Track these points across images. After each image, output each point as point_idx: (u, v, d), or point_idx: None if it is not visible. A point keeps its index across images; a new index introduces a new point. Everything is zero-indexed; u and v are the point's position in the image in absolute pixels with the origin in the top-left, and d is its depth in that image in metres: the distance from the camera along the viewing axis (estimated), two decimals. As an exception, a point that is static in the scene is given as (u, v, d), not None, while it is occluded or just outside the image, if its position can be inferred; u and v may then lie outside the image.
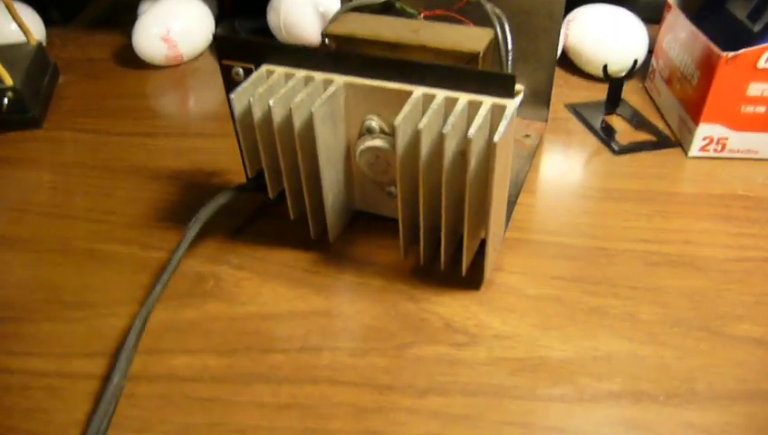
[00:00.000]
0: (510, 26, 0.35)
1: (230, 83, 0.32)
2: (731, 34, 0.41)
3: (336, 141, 0.31)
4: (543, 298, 0.31)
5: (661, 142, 0.43)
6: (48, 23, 0.58)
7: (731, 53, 0.37)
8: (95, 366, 0.28)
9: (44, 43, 0.53)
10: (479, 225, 0.31)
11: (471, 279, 0.31)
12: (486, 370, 0.27)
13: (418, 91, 0.29)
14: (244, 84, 0.30)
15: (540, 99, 0.42)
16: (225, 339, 0.29)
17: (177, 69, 0.54)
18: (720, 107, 0.39)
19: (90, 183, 0.40)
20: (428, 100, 0.28)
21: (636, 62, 0.44)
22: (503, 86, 0.27)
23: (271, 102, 0.29)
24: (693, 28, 0.41)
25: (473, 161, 0.27)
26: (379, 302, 0.31)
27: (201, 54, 0.56)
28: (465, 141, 0.28)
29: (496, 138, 0.26)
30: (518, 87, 0.28)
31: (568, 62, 0.52)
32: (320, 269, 0.33)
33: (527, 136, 0.42)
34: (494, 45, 0.34)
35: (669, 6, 0.45)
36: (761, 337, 0.28)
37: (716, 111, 0.39)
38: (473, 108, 0.28)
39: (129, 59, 0.55)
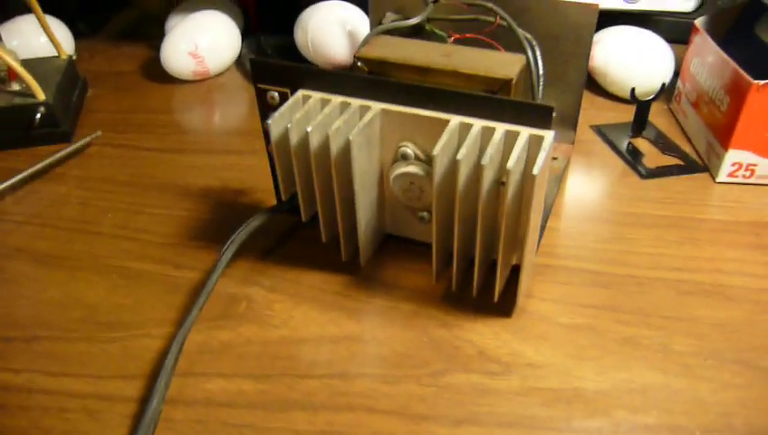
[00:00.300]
0: (541, 52, 0.35)
1: (265, 107, 0.33)
2: (759, 60, 0.42)
3: (371, 167, 0.31)
4: (576, 327, 0.31)
5: (688, 166, 0.43)
6: (76, 35, 0.59)
7: (762, 82, 0.37)
8: (131, 388, 0.28)
9: (74, 57, 0.54)
10: (512, 252, 0.31)
11: (502, 306, 0.31)
12: (521, 400, 0.27)
13: (455, 120, 0.29)
14: (282, 109, 0.30)
15: (567, 122, 0.42)
16: (260, 363, 0.29)
17: (203, 84, 0.55)
18: (750, 134, 0.39)
19: (120, 199, 0.41)
20: (465, 129, 0.29)
21: (663, 85, 0.44)
22: (540, 117, 0.28)
23: (309, 129, 0.29)
24: (722, 53, 0.41)
25: (510, 191, 0.27)
26: (411, 327, 0.31)
27: (228, 69, 0.57)
28: (503, 172, 0.28)
29: (535, 170, 0.26)
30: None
31: (593, 83, 0.52)
32: (351, 293, 0.33)
33: (554, 158, 0.42)
34: (526, 71, 0.34)
35: (697, 30, 0.45)
36: (796, 371, 0.28)
37: (746, 137, 0.39)
38: (510, 138, 0.28)
39: (157, 72, 0.55)
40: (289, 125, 0.30)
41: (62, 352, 0.30)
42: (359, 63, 0.35)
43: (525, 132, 0.28)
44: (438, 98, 0.29)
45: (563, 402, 0.27)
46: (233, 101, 0.53)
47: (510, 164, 0.26)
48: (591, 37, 0.38)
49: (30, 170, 0.42)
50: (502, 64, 0.34)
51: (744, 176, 0.41)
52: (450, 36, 0.38)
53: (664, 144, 0.45)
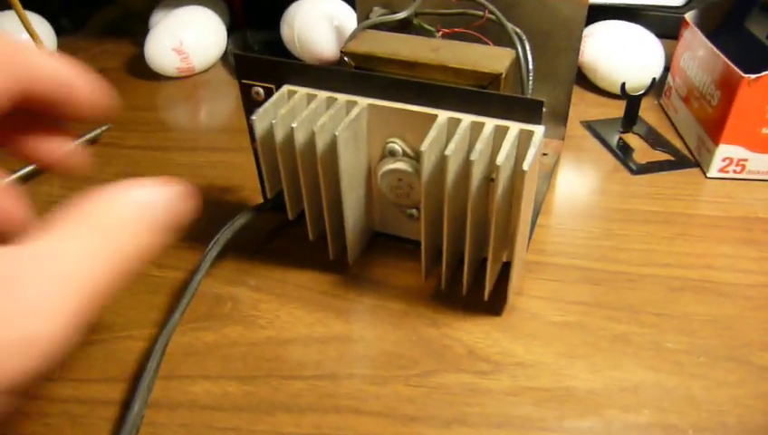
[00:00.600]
0: (531, 46, 0.35)
1: (250, 103, 0.32)
2: (749, 53, 0.41)
3: (358, 163, 0.31)
4: (566, 325, 0.30)
5: (679, 162, 0.42)
6: (58, 32, 0.58)
7: (753, 76, 0.37)
8: (113, 392, 0.27)
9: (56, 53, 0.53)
10: (502, 249, 0.31)
11: (492, 304, 0.31)
12: (511, 400, 0.27)
13: (443, 115, 0.28)
14: (266, 105, 0.30)
15: (557, 117, 0.41)
16: (245, 364, 0.29)
17: (188, 80, 0.54)
18: (740, 128, 0.39)
19: (103, 198, 0.40)
20: (453, 124, 0.28)
21: (654, 80, 0.44)
22: (530, 111, 0.27)
23: (294, 125, 0.29)
24: (712, 47, 0.40)
25: (500, 187, 0.27)
26: (399, 327, 0.30)
27: (213, 66, 0.56)
28: (492, 168, 0.27)
29: (525, 166, 0.25)
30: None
31: (582, 79, 0.52)
32: (338, 292, 0.32)
33: (545, 154, 0.41)
34: (516, 66, 0.34)
35: (687, 24, 0.45)
36: (788, 368, 0.28)
37: (737, 132, 0.39)
38: (499, 133, 0.27)
39: (140, 69, 0.54)
40: (274, 121, 0.29)
41: (42, 356, 0.29)
42: (345, 59, 0.35)
43: (515, 127, 0.27)
44: (426, 93, 0.29)
45: (555, 402, 0.27)
46: (218, 98, 0.52)
47: (500, 159, 0.26)
48: (581, 32, 0.37)
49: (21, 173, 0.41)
50: (491, 59, 0.33)
51: (734, 171, 0.40)
52: (438, 31, 0.37)
53: (654, 139, 0.45)
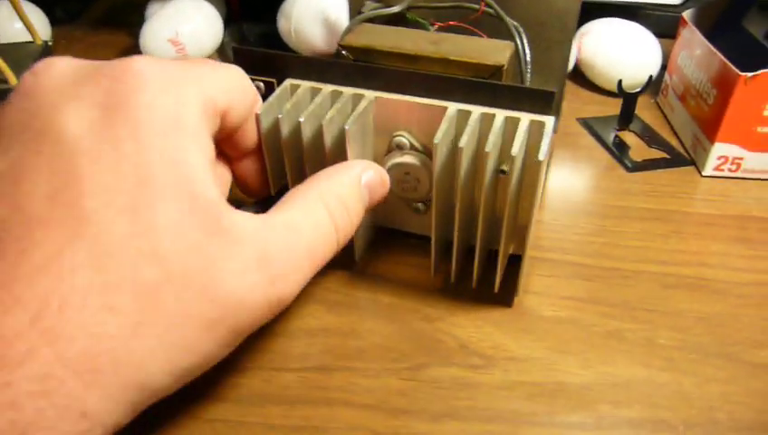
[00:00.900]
0: (528, 39, 0.35)
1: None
2: (746, 53, 0.41)
3: (364, 157, 0.30)
4: (559, 320, 0.30)
5: (675, 160, 0.42)
6: (53, 22, 0.57)
7: (750, 74, 0.37)
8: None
9: (50, 42, 0.52)
10: (511, 241, 0.31)
11: (483, 297, 0.31)
12: (503, 394, 0.27)
13: (453, 107, 0.28)
14: (270, 100, 0.29)
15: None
16: (235, 356, 0.28)
17: (184, 72, 0.54)
18: (736, 127, 0.39)
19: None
20: (463, 116, 0.28)
21: (651, 77, 0.44)
22: (540, 102, 0.27)
23: (301, 119, 0.28)
24: (709, 46, 0.40)
25: (513, 179, 0.26)
26: (391, 320, 0.30)
27: (209, 58, 0.56)
28: (502, 159, 0.27)
29: (541, 156, 0.25)
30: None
31: (579, 76, 0.51)
32: (330, 285, 0.32)
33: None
34: (515, 58, 0.34)
35: (685, 22, 0.45)
36: (781, 366, 0.28)
37: (733, 130, 0.39)
38: (509, 124, 0.27)
39: (136, 61, 0.54)
40: (280, 116, 0.28)
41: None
42: (343, 52, 0.34)
43: (526, 118, 0.27)
44: (434, 85, 0.28)
45: (546, 396, 0.27)
46: (214, 90, 0.52)
47: (514, 150, 0.26)
48: (575, 24, 0.37)
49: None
50: (491, 51, 0.33)
51: (730, 169, 0.40)
52: (432, 24, 0.37)
53: (650, 137, 0.45)
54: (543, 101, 0.27)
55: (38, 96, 0.22)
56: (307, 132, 0.29)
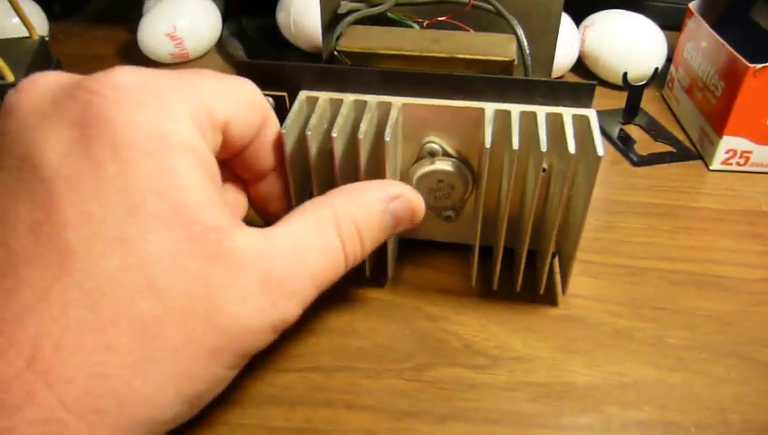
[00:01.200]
0: (524, 30, 0.34)
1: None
2: (754, 43, 0.40)
3: (398, 169, 0.29)
4: (565, 319, 0.29)
5: (681, 154, 0.42)
6: (51, 17, 0.57)
7: (759, 66, 0.36)
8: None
9: (47, 38, 0.52)
10: (555, 241, 0.29)
11: (489, 296, 0.30)
12: (508, 395, 0.26)
13: (490, 108, 0.27)
14: (290, 116, 0.27)
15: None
16: (235, 357, 0.28)
17: (183, 67, 0.53)
18: (745, 120, 0.38)
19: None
20: (502, 116, 0.27)
21: (657, 69, 0.43)
22: (580, 95, 0.26)
23: (334, 135, 0.26)
24: (716, 37, 0.39)
25: (570, 177, 0.26)
26: (394, 320, 0.29)
27: (208, 53, 0.55)
28: (545, 158, 0.26)
29: (600, 151, 0.24)
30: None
31: (584, 69, 0.51)
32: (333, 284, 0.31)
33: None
34: (518, 51, 0.33)
35: (690, 13, 0.44)
36: (793, 365, 0.27)
37: (741, 123, 0.38)
38: (551, 121, 0.27)
39: (134, 55, 0.53)
40: (309, 133, 0.26)
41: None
42: (345, 58, 0.33)
43: (568, 113, 0.26)
44: (463, 85, 0.27)
45: (552, 397, 0.26)
46: (213, 86, 0.51)
47: (571, 148, 0.25)
48: (561, 11, 0.36)
49: None
50: (496, 46, 0.32)
51: (738, 163, 0.39)
52: (416, 22, 0.36)
53: (656, 131, 0.44)
54: (584, 95, 0.26)
55: (20, 117, 0.20)
56: (340, 148, 0.27)
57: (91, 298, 0.18)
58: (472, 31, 0.34)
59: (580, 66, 0.51)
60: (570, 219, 0.28)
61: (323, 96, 0.28)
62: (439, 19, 0.35)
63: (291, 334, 0.29)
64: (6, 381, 0.17)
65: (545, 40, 0.36)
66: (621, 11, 0.50)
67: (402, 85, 0.28)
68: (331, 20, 0.36)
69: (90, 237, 0.18)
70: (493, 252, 0.30)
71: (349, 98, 0.28)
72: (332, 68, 0.29)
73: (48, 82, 0.21)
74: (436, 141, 0.29)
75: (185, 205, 0.19)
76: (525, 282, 0.30)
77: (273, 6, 0.51)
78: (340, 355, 0.28)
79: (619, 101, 0.46)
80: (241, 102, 0.23)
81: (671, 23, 0.51)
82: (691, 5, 0.44)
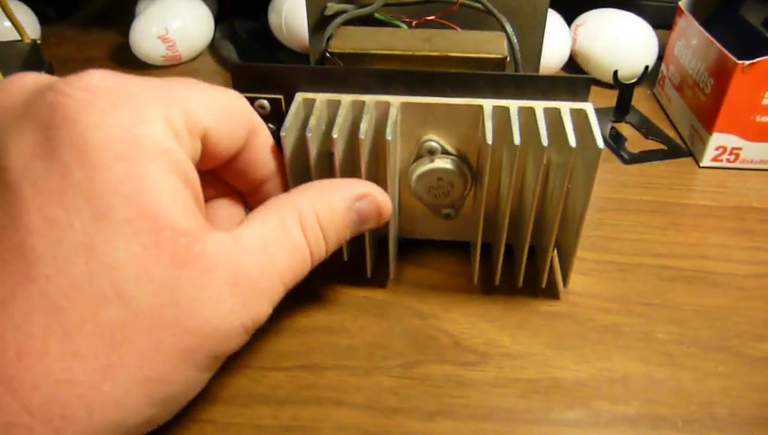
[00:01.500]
0: (513, 27, 0.34)
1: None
2: (744, 41, 0.40)
3: (396, 168, 0.29)
4: (555, 315, 0.30)
5: (672, 151, 0.42)
6: (44, 21, 0.57)
7: (747, 62, 0.36)
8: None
9: (38, 41, 0.52)
10: (555, 236, 0.30)
11: (472, 292, 0.30)
12: (497, 391, 0.26)
13: (488, 104, 0.27)
14: (289, 118, 0.27)
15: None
16: (224, 356, 0.28)
17: (175, 69, 0.53)
18: (734, 116, 0.38)
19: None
20: (500, 112, 0.27)
21: (647, 68, 0.43)
22: (576, 89, 0.27)
23: (335, 135, 0.26)
24: (706, 35, 0.40)
25: (569, 172, 0.26)
26: (383, 318, 0.29)
27: (200, 55, 0.55)
28: (559, 152, 0.27)
29: (600, 144, 0.25)
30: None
31: (575, 68, 0.51)
32: (321, 283, 0.31)
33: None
34: (509, 48, 0.33)
35: (681, 11, 0.44)
36: (781, 359, 0.27)
37: (731, 120, 0.38)
38: (549, 115, 0.27)
39: (127, 58, 0.53)
40: (309, 134, 0.26)
41: None
42: (335, 59, 0.33)
43: (566, 107, 0.27)
44: (461, 83, 0.27)
45: (541, 393, 0.26)
46: (206, 88, 0.51)
47: (571, 142, 0.25)
48: (546, 8, 0.36)
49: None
50: (487, 43, 0.32)
51: (728, 160, 0.40)
52: (405, 22, 0.36)
53: (647, 129, 0.44)
54: (580, 89, 0.27)
55: None
56: (340, 149, 0.27)
57: (56, 305, 0.18)
58: (460, 29, 0.34)
59: (572, 65, 0.51)
60: (569, 213, 0.29)
61: (320, 97, 0.28)
62: (428, 18, 0.35)
63: (279, 334, 0.29)
64: None
65: (532, 36, 0.36)
66: (613, 9, 0.50)
67: (399, 85, 0.28)
68: (318, 22, 0.36)
69: (55, 243, 0.18)
70: (493, 248, 0.30)
71: (346, 98, 0.28)
72: (329, 69, 0.29)
73: (24, 83, 0.20)
74: (434, 140, 0.29)
75: (154, 210, 0.19)
76: (525, 278, 0.30)
77: (266, 9, 0.52)
78: (329, 353, 0.28)
79: (610, 99, 0.46)
80: (222, 111, 0.23)
81: (662, 21, 0.52)
82: (681, 4, 0.44)
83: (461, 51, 0.31)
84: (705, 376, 0.27)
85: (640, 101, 0.47)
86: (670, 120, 0.45)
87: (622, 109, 0.44)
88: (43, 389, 0.18)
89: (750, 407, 0.25)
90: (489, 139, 0.26)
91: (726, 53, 0.37)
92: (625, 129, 0.44)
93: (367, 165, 0.27)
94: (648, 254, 0.33)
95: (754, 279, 0.31)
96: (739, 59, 0.36)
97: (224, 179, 0.27)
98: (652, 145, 0.42)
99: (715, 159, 0.40)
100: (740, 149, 0.39)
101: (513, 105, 0.27)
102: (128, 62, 0.53)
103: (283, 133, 0.26)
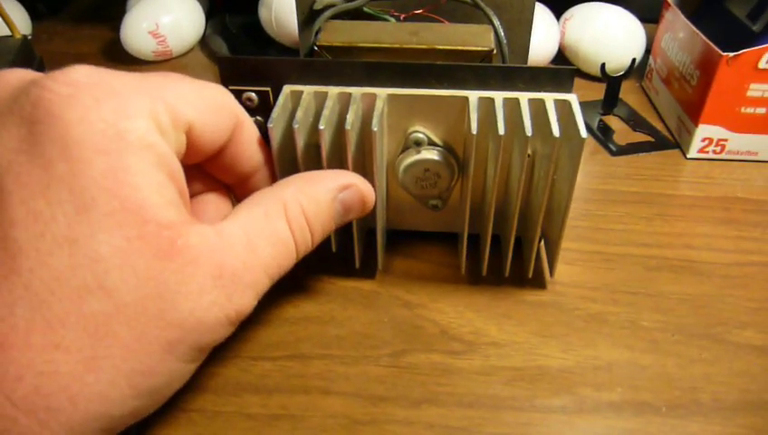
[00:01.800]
0: (500, 21, 0.34)
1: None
2: (730, 34, 0.41)
3: (383, 160, 0.29)
4: (541, 304, 0.30)
5: (659, 143, 0.42)
6: (35, 16, 0.57)
7: (731, 54, 0.36)
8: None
9: (29, 36, 0.52)
10: (541, 226, 0.30)
11: (461, 282, 0.30)
12: (483, 379, 0.26)
13: (473, 95, 0.27)
14: (276, 110, 0.27)
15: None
16: (213, 346, 0.28)
17: (166, 64, 0.53)
18: (720, 108, 0.38)
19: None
20: (485, 103, 0.27)
21: (634, 60, 0.43)
22: (560, 81, 0.27)
23: (321, 127, 0.26)
24: (692, 27, 0.40)
25: (554, 162, 0.26)
26: (371, 308, 0.30)
27: (191, 50, 0.55)
28: (544, 142, 0.27)
29: (583, 133, 0.25)
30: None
31: (564, 61, 0.51)
32: (310, 273, 0.32)
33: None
34: (496, 41, 0.33)
35: (668, 5, 0.44)
36: (764, 345, 0.28)
37: (716, 112, 0.38)
38: (534, 106, 0.27)
39: (118, 54, 0.53)
40: (296, 126, 0.26)
41: None
42: (323, 53, 0.33)
43: (550, 98, 0.27)
44: (446, 75, 0.27)
45: (526, 381, 0.26)
46: (196, 83, 0.51)
47: (555, 132, 0.25)
48: (534, 1, 0.36)
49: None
50: (474, 36, 0.32)
51: (714, 151, 0.40)
52: (393, 16, 0.36)
53: (635, 121, 0.44)
54: (564, 80, 0.27)
55: None
56: (327, 141, 0.27)
57: (39, 297, 0.18)
58: (447, 23, 0.35)
59: (561, 58, 0.51)
60: (555, 203, 0.29)
61: (308, 90, 0.28)
62: (416, 12, 0.36)
63: (268, 324, 0.29)
64: None
65: (520, 30, 0.37)
66: (600, 3, 0.50)
67: (385, 76, 0.28)
68: (308, 16, 0.36)
69: (38, 236, 0.18)
70: (480, 239, 0.30)
71: (333, 91, 0.28)
72: (315, 61, 0.29)
73: (10, 78, 0.20)
74: (421, 131, 0.29)
75: (138, 203, 0.19)
76: (512, 268, 0.30)
77: (257, 3, 0.52)
78: (317, 343, 0.28)
79: (598, 92, 0.46)
80: (207, 105, 0.23)
81: (650, 15, 0.52)
82: (668, -3, 0.44)
83: (448, 44, 0.31)
84: (689, 363, 0.27)
85: (629, 93, 0.48)
86: (658, 113, 0.45)
87: (610, 102, 0.45)
88: (27, 380, 0.18)
89: (733, 392, 0.26)
90: (474, 129, 0.26)
91: (711, 45, 0.38)
92: (613, 121, 0.44)
93: (353, 156, 0.27)
94: (635, 244, 0.33)
95: (738, 268, 0.32)
96: (725, 51, 0.36)
97: (210, 173, 0.27)
98: (640, 137, 0.43)
99: (701, 150, 0.40)
100: (726, 140, 0.39)
101: (498, 96, 0.27)
102: (119, 57, 0.53)
103: (270, 125, 0.26)
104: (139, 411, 0.21)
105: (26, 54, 0.49)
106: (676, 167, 0.40)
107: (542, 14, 0.49)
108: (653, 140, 0.42)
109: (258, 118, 0.29)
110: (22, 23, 0.53)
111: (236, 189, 0.28)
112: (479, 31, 0.33)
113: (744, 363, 0.27)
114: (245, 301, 0.22)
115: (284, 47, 0.52)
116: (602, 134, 0.43)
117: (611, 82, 0.44)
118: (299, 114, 0.27)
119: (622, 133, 0.43)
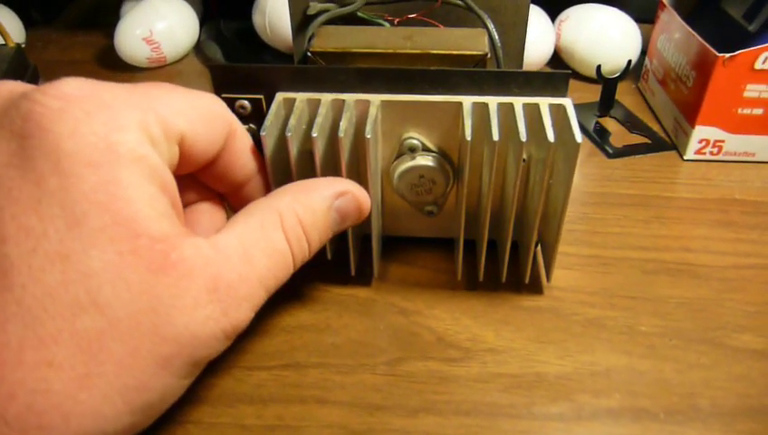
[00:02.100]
0: (494, 24, 0.34)
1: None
2: (726, 34, 0.41)
3: (378, 166, 0.29)
4: (538, 310, 0.30)
5: (656, 145, 0.42)
6: (29, 24, 0.57)
7: (728, 55, 0.36)
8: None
9: (23, 45, 0.52)
10: (537, 231, 0.30)
11: (457, 289, 0.30)
12: (480, 387, 0.26)
13: (467, 101, 0.27)
14: (269, 118, 0.27)
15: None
16: (208, 356, 0.28)
17: (161, 71, 0.53)
18: (716, 109, 0.38)
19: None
20: (480, 109, 0.27)
21: (630, 62, 0.43)
22: (555, 85, 0.27)
23: (314, 134, 0.26)
24: (687, 28, 0.40)
25: (549, 167, 0.26)
26: (367, 316, 0.30)
27: (186, 56, 0.55)
28: (539, 147, 0.27)
29: (579, 138, 0.25)
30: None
31: (560, 63, 0.51)
32: (305, 282, 0.31)
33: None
34: (490, 45, 0.33)
35: (663, 6, 0.44)
36: (763, 349, 0.28)
37: (713, 113, 0.38)
38: (528, 111, 0.27)
39: (112, 61, 0.53)
40: (289, 134, 0.26)
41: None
42: (316, 59, 0.33)
43: (544, 103, 0.27)
44: (440, 80, 0.27)
45: (524, 388, 0.26)
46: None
47: (550, 137, 0.25)
48: (528, 3, 0.36)
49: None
50: (468, 40, 0.32)
51: (711, 153, 0.40)
52: (387, 20, 0.36)
53: (632, 123, 0.44)
54: (559, 84, 0.27)
55: None
56: (321, 148, 0.27)
57: (31, 314, 0.18)
58: (441, 27, 0.34)
59: (557, 60, 0.51)
60: (551, 208, 0.29)
61: (300, 97, 0.28)
62: (410, 17, 0.35)
63: (263, 333, 0.29)
64: None
65: (515, 33, 0.36)
66: (596, 4, 0.50)
67: (379, 83, 0.28)
68: (301, 22, 0.36)
69: (30, 252, 0.18)
70: (476, 244, 0.30)
71: (326, 97, 0.27)
72: (308, 68, 0.29)
73: (1, 91, 0.20)
74: (415, 137, 0.29)
75: (130, 217, 0.19)
76: (509, 273, 0.30)
77: (251, 9, 0.52)
78: (313, 352, 0.28)
79: (595, 94, 0.46)
80: (199, 115, 0.23)
81: (645, 16, 0.52)
82: (663, -3, 0.44)
83: (442, 48, 0.31)
84: (687, 368, 0.27)
85: (625, 95, 0.47)
86: (654, 114, 0.45)
87: (606, 103, 0.45)
88: (20, 398, 0.18)
89: (731, 397, 0.26)
90: (468, 135, 0.26)
91: (707, 46, 0.37)
92: (609, 123, 0.44)
93: (348, 164, 0.27)
94: (632, 247, 0.33)
95: (736, 271, 0.32)
96: (720, 52, 0.36)
97: (204, 183, 0.27)
98: (636, 139, 0.43)
99: (698, 151, 0.40)
100: (723, 141, 0.39)
101: (493, 101, 0.27)
102: (113, 64, 0.53)
103: (263, 133, 0.26)
104: (134, 427, 0.20)
105: (20, 63, 0.49)
106: (672, 168, 0.40)
107: (536, 16, 0.49)
108: (650, 141, 0.42)
109: (251, 126, 0.29)
110: (15, 31, 0.53)
111: (230, 198, 0.28)
112: (473, 34, 0.33)
113: (743, 368, 0.27)
114: (241, 314, 0.21)
115: (279, 52, 0.51)
116: (599, 136, 0.43)
117: (607, 84, 0.44)
118: (292, 122, 0.26)
119: (619, 135, 0.43)
